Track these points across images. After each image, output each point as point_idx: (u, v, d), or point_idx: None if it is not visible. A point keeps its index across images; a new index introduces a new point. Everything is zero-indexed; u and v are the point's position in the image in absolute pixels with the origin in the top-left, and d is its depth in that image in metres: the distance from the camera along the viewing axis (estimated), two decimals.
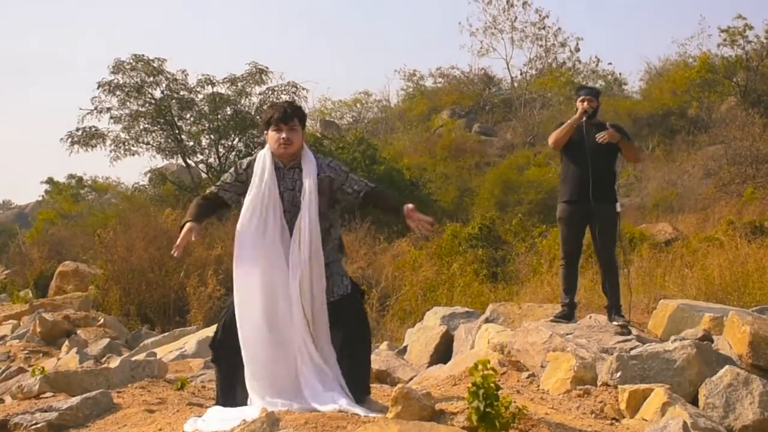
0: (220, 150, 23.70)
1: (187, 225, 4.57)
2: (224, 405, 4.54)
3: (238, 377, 4.52)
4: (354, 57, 78.95)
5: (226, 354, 4.59)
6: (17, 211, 45.21)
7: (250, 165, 4.72)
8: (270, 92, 23.61)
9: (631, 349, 5.46)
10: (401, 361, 7.80)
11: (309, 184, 4.61)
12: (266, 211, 4.55)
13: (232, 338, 4.50)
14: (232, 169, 4.80)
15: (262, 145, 4.65)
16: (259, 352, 4.44)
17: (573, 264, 6.83)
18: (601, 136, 6.50)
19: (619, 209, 6.68)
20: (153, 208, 20.17)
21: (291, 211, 4.58)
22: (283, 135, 4.63)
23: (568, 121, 6.75)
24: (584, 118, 6.71)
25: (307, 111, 4.93)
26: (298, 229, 4.53)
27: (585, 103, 6.75)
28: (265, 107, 4.87)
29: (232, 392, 4.58)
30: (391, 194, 4.82)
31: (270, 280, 4.48)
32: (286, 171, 4.68)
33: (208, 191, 4.87)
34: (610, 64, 44.32)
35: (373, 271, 15.17)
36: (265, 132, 4.76)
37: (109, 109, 22.58)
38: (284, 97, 23.71)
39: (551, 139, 6.86)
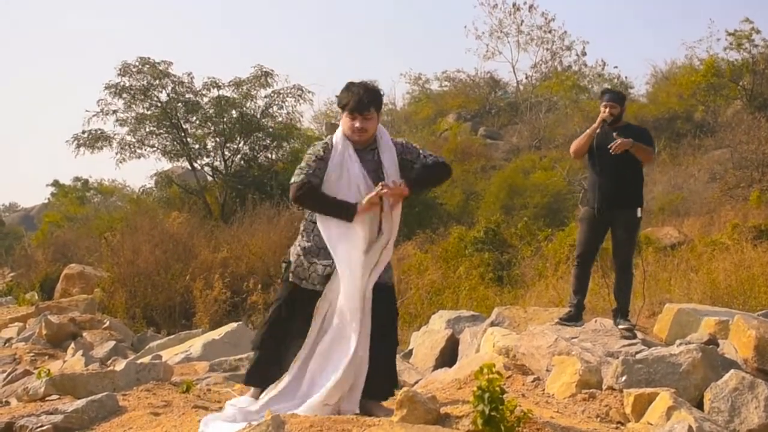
0: (226, 153, 23.71)
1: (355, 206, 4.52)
2: (259, 384, 4.69)
3: (278, 361, 4.65)
4: (360, 60, 78.97)
5: (270, 344, 4.74)
6: (23, 213, 45.36)
7: (327, 148, 4.67)
8: (275, 95, 23.64)
9: (637, 353, 5.46)
10: (406, 365, 7.81)
11: (389, 166, 4.65)
12: (351, 191, 4.57)
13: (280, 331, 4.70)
14: (310, 154, 4.69)
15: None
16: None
17: (587, 265, 6.81)
18: (613, 148, 6.44)
19: (640, 214, 6.62)
20: (159, 211, 20.21)
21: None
22: (357, 124, 4.61)
23: (588, 130, 6.69)
24: (606, 125, 6.64)
25: (383, 95, 4.83)
26: (383, 212, 4.59)
27: (607, 110, 6.62)
28: (342, 89, 4.86)
29: (267, 374, 4.69)
30: (428, 176, 4.73)
31: (349, 262, 4.52)
32: (365, 153, 4.68)
33: (300, 181, 4.61)
34: (616, 67, 44.51)
35: None
36: (341, 112, 4.74)
37: (115, 111, 22.63)
38: (290, 101, 23.76)
39: (572, 148, 6.80)
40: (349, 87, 4.70)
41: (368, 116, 4.62)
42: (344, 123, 4.67)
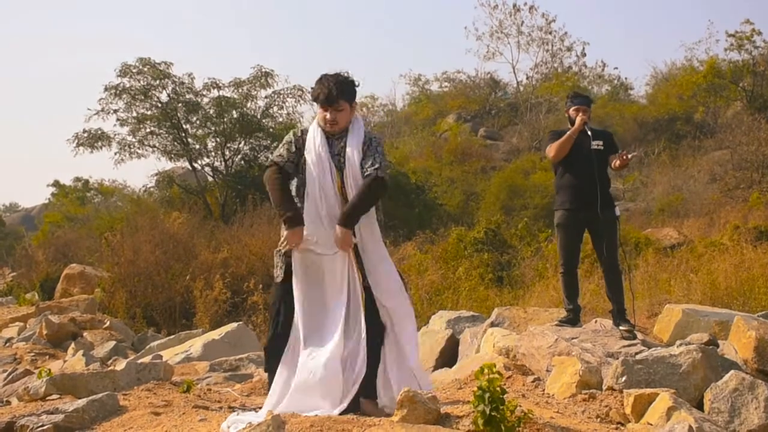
0: (226, 153, 23.73)
1: (296, 228, 4.65)
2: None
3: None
4: (360, 61, 79.01)
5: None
6: (24, 213, 45.36)
7: (304, 133, 4.89)
8: (276, 95, 23.65)
9: (637, 353, 5.46)
10: None
11: (352, 154, 4.78)
12: (322, 175, 4.72)
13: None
14: (288, 140, 4.91)
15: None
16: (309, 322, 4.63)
17: (572, 271, 6.86)
18: (617, 163, 6.53)
19: (618, 213, 6.73)
20: (160, 212, 20.22)
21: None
22: (329, 116, 4.79)
23: (568, 133, 6.70)
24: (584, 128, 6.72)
25: (356, 86, 4.93)
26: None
27: (583, 114, 6.73)
28: (315, 82, 4.94)
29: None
30: (359, 202, 4.74)
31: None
32: (334, 139, 4.84)
33: (273, 162, 4.86)
34: (616, 68, 44.51)
35: None
36: (316, 104, 4.92)
37: (115, 111, 22.62)
38: (290, 101, 23.77)
39: (552, 152, 6.79)
40: (321, 80, 4.86)
41: (339, 108, 4.79)
42: (318, 114, 4.88)
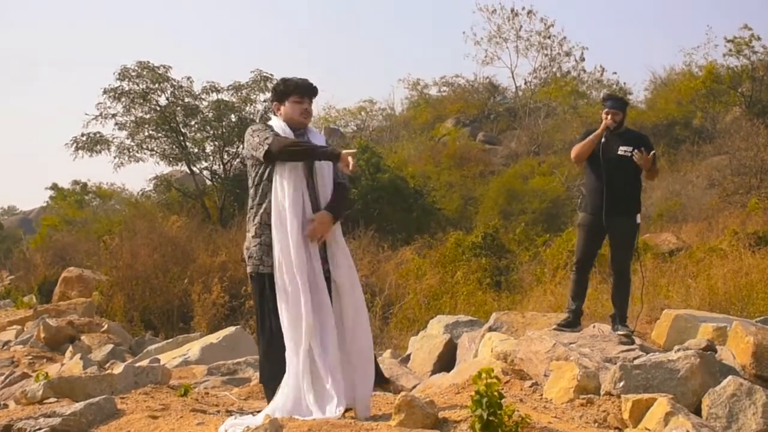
0: (225, 157, 23.71)
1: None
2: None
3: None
4: (358, 65, 79.06)
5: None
6: (21, 216, 45.34)
7: (272, 128, 4.89)
8: None
9: (635, 358, 5.46)
10: (404, 369, 7.81)
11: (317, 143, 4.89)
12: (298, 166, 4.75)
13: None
14: (262, 128, 4.90)
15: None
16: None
17: (585, 270, 6.83)
18: (636, 158, 6.44)
19: (639, 221, 6.65)
20: (158, 215, 20.21)
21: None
22: (305, 106, 4.94)
23: (591, 136, 6.65)
24: (608, 132, 6.64)
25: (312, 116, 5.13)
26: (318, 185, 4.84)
27: (609, 118, 6.62)
28: (280, 81, 5.03)
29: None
30: (343, 202, 5.01)
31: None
32: (298, 135, 4.89)
33: (272, 137, 4.77)
34: (615, 73, 44.29)
35: (376, 279, 15.18)
36: (276, 102, 5.01)
37: (114, 115, 22.61)
38: None
39: (573, 153, 6.77)
40: (287, 79, 5.02)
41: (312, 101, 4.99)
42: (290, 109, 4.93)
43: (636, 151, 6.44)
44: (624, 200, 6.54)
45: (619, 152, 6.53)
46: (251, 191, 4.93)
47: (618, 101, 6.92)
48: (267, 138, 4.73)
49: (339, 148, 4.93)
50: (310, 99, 4.97)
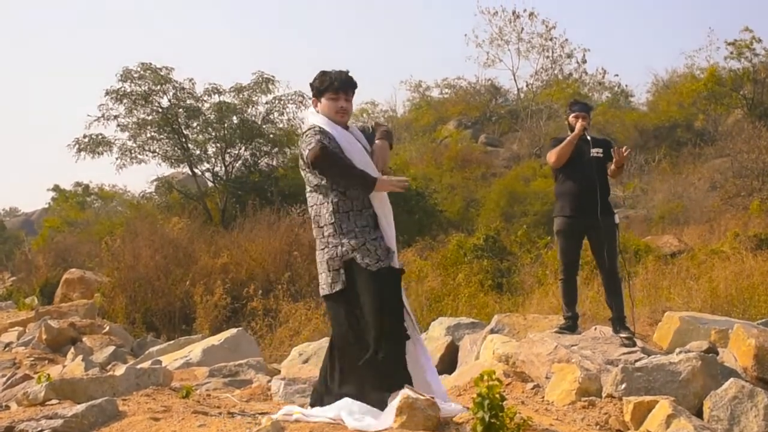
0: (227, 159, 23.70)
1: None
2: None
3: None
4: (360, 67, 79.07)
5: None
6: (23, 218, 45.28)
7: (324, 131, 4.53)
8: (276, 101, 23.64)
9: (636, 360, 5.46)
10: None
11: (366, 144, 4.70)
12: (369, 168, 4.55)
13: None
14: (314, 133, 4.52)
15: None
16: None
17: (572, 277, 6.89)
18: (613, 167, 6.66)
19: (617, 221, 6.77)
20: (160, 217, 20.21)
21: None
22: (342, 104, 4.60)
23: (568, 138, 6.74)
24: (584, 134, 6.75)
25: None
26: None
27: (583, 121, 6.77)
28: (317, 76, 4.75)
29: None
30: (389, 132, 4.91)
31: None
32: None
33: (320, 143, 4.41)
34: (617, 75, 44.39)
35: None
36: (314, 98, 4.72)
37: (116, 116, 22.62)
38: (291, 107, 23.74)
39: (553, 158, 6.83)
40: (325, 73, 4.69)
41: (350, 97, 4.67)
42: (326, 106, 4.62)
43: (615, 149, 6.62)
44: (602, 201, 6.62)
45: (592, 154, 6.69)
46: (334, 197, 4.56)
47: (585, 105, 7.13)
48: (310, 144, 4.43)
49: (375, 173, 4.54)
50: (347, 94, 4.63)
